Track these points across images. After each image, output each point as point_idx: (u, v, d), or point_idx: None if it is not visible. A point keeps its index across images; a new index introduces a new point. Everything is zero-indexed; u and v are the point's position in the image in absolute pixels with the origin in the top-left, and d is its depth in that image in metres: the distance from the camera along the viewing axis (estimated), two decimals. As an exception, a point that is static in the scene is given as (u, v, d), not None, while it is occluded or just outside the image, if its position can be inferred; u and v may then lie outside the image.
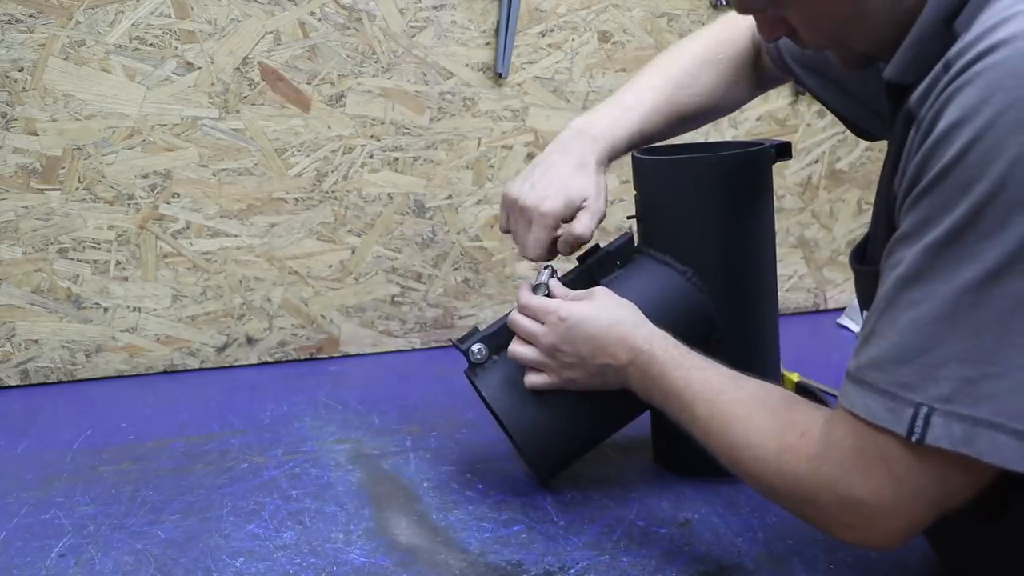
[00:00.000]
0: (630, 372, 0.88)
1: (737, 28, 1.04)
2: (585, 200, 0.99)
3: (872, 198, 1.81)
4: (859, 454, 0.64)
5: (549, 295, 0.97)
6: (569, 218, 0.99)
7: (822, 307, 1.70)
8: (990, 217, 0.55)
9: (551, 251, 1.01)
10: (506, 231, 1.03)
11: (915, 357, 0.59)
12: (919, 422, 0.59)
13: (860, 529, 0.66)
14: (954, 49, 0.59)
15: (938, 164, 0.57)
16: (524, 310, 0.96)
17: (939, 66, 0.60)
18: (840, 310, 1.65)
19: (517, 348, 0.95)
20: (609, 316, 0.91)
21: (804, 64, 0.98)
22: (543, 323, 0.94)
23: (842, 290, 1.69)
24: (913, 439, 0.59)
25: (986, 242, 0.56)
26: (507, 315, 1.00)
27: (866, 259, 0.73)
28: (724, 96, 1.05)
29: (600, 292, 0.95)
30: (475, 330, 1.01)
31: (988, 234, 0.56)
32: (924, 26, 0.63)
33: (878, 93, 0.74)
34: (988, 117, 0.55)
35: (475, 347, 0.98)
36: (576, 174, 0.99)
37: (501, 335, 0.99)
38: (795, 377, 1.20)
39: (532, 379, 0.95)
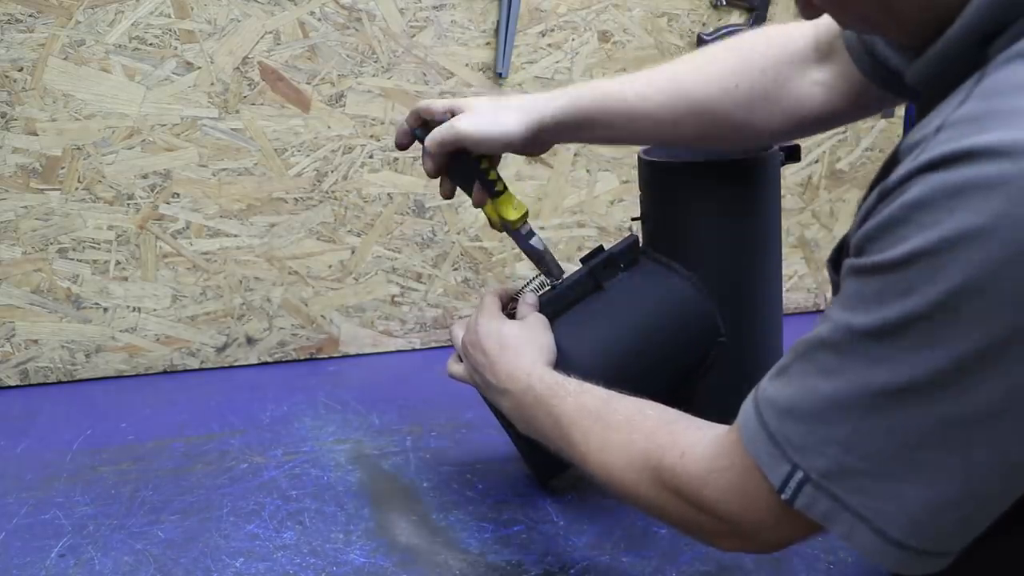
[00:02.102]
0: (508, 399, 0.87)
1: (795, 27, 0.88)
2: (462, 112, 0.92)
3: (872, 198, 1.79)
4: (740, 487, 0.63)
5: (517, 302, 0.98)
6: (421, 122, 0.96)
7: (822, 307, 1.70)
8: (919, 332, 0.51)
9: (405, 139, 0.99)
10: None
11: (807, 422, 0.57)
12: (792, 483, 0.58)
13: (740, 543, 0.66)
14: (956, 110, 0.52)
15: (879, 254, 0.53)
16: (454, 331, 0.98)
17: (933, 123, 0.53)
18: (840, 310, 1.65)
19: (454, 329, 0.97)
20: (509, 341, 0.90)
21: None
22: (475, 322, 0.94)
23: (842, 290, 1.69)
24: (783, 497, 0.59)
25: (905, 356, 0.52)
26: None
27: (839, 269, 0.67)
28: (753, 100, 0.87)
29: (531, 320, 0.94)
30: None
31: (909, 350, 0.52)
32: (952, 40, 0.56)
33: None
34: (944, 237, 0.49)
35: None
36: (489, 99, 0.94)
37: None
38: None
39: (451, 366, 0.97)
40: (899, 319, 0.52)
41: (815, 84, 0.86)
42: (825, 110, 0.87)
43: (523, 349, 0.89)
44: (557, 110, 0.91)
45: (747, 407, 0.63)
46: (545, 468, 1.00)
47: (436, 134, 0.93)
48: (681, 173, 0.99)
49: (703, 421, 0.72)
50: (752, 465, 0.61)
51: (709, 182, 0.98)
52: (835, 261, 0.70)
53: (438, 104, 0.95)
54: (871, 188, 0.63)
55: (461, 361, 0.96)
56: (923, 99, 0.63)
